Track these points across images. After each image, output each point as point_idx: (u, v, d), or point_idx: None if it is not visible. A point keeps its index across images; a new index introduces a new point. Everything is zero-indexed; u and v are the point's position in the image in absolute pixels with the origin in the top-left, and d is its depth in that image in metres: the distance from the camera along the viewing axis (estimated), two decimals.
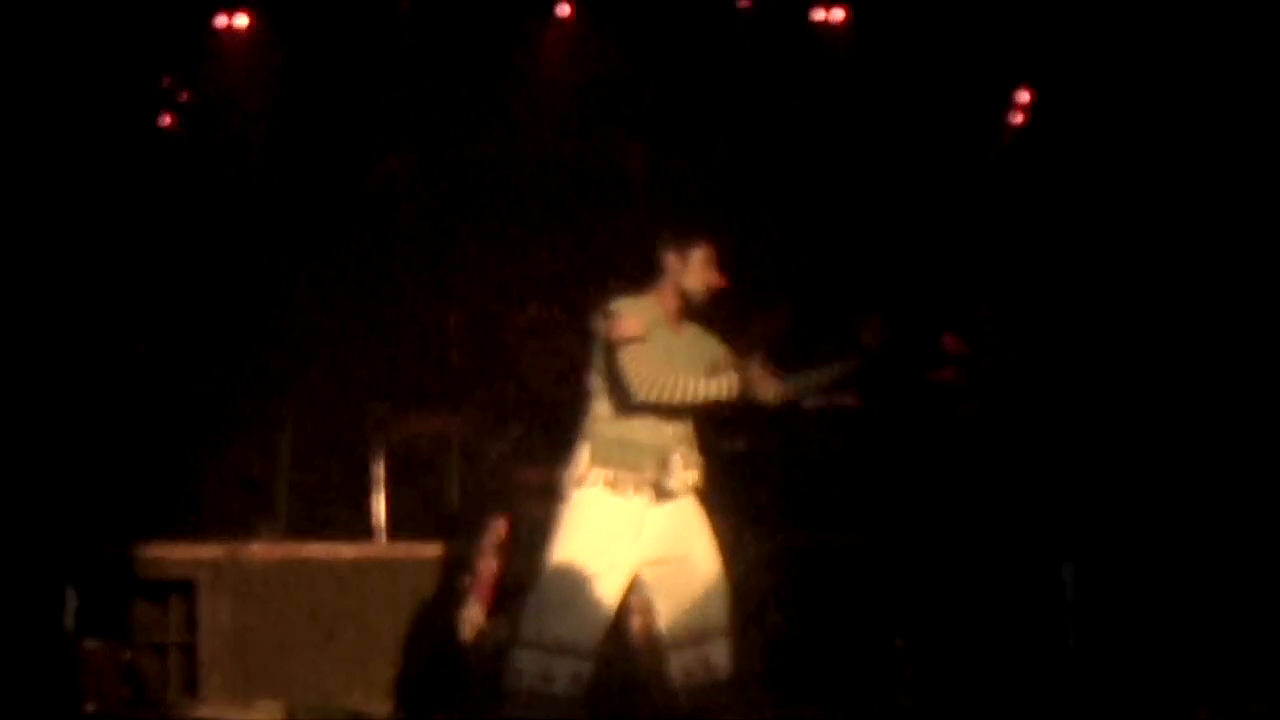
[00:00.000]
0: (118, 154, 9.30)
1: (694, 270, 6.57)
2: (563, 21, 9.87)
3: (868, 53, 9.87)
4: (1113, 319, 9.12)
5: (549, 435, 9.01)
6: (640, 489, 6.46)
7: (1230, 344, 8.79)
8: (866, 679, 8.02)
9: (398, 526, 8.97)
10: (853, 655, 8.09)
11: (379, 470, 9.06)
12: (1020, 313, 9.12)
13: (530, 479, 7.88)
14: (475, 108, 9.82)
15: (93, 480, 8.63)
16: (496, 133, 9.90)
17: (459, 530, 8.50)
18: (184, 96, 9.76)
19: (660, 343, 6.50)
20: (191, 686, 8.21)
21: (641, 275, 6.73)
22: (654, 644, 6.69)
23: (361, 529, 8.95)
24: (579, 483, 6.48)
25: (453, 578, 7.98)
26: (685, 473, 6.53)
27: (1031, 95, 9.99)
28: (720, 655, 6.57)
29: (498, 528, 7.74)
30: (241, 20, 9.64)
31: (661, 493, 6.49)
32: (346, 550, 8.60)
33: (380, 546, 8.85)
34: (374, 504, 9.02)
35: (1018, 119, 10.04)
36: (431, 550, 8.35)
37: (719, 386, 6.42)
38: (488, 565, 7.63)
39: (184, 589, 8.31)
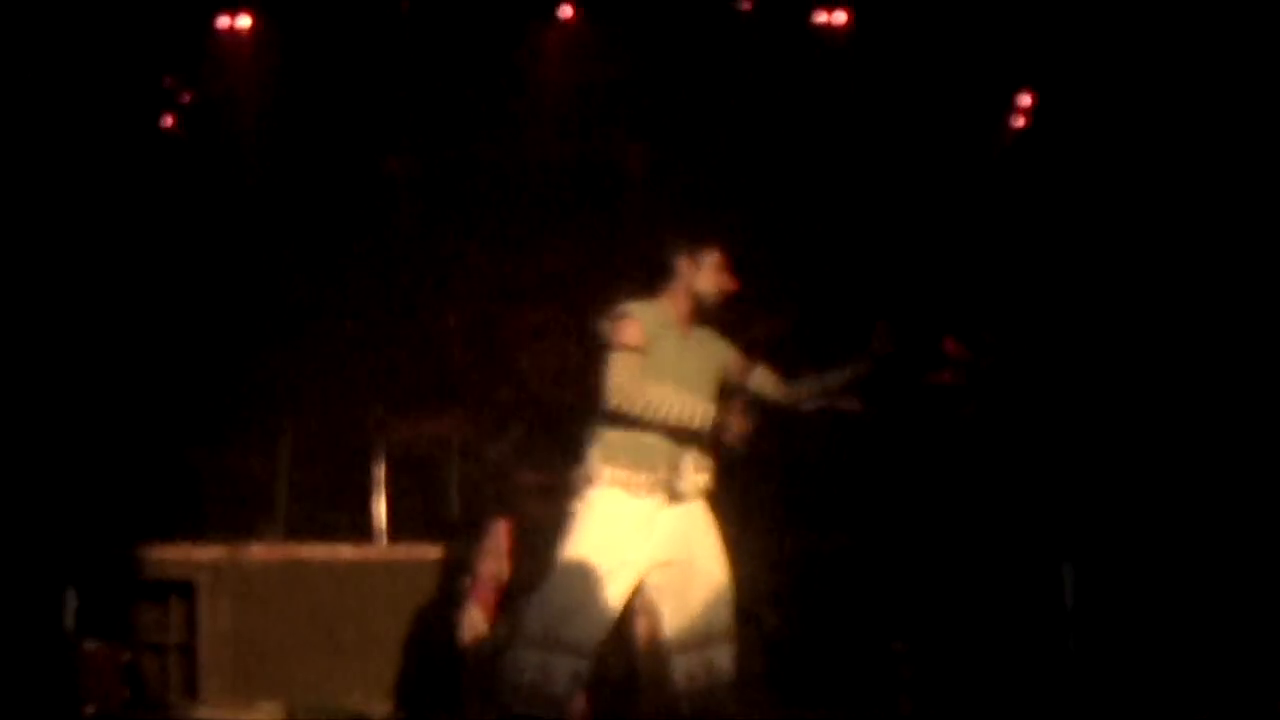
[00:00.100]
0: (119, 154, 9.29)
1: (705, 273, 6.59)
2: (564, 23, 9.86)
3: (869, 56, 9.86)
4: (1113, 322, 9.12)
5: (549, 437, 9.04)
6: (652, 490, 6.47)
7: (1230, 346, 8.80)
8: (866, 681, 8.03)
9: (398, 528, 8.98)
10: (852, 657, 8.10)
11: (379, 472, 9.07)
12: (1020, 316, 9.13)
13: (530, 481, 7.89)
14: (476, 109, 9.81)
15: (93, 481, 8.63)
16: (498, 134, 9.89)
17: (459, 532, 8.51)
18: (186, 97, 9.75)
19: (670, 347, 6.51)
20: (191, 687, 8.22)
21: (643, 277, 6.73)
22: (657, 646, 6.69)
23: (362, 531, 8.96)
24: (591, 482, 6.48)
25: (453, 580, 7.98)
26: (697, 475, 6.54)
27: (1033, 98, 9.99)
28: (724, 659, 6.57)
29: (498, 530, 7.75)
30: (244, 21, 9.63)
31: (673, 495, 6.50)
32: (347, 552, 8.61)
33: (380, 548, 8.86)
34: (374, 506, 9.03)
35: (1019, 122, 10.04)
36: (432, 552, 8.37)
37: (692, 414, 6.40)
38: (488, 567, 7.64)
39: (184, 590, 8.32)
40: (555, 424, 9.06)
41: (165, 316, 9.36)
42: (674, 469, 6.47)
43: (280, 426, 9.34)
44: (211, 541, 8.47)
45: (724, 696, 6.55)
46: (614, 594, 6.43)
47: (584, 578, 6.40)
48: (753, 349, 6.87)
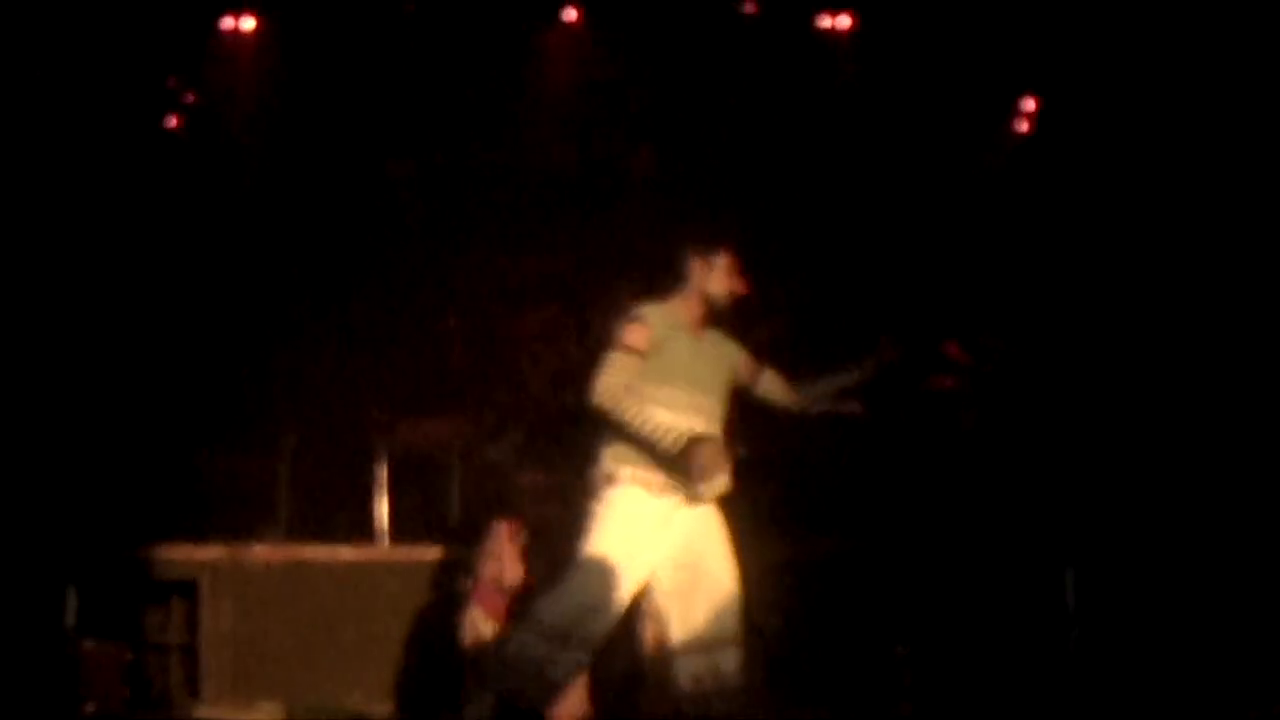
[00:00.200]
0: (123, 155, 9.30)
1: (718, 276, 6.62)
2: (568, 26, 9.87)
3: (872, 60, 9.87)
4: (1115, 326, 9.12)
5: (550, 439, 9.05)
6: (669, 490, 6.48)
7: (1231, 348, 8.79)
8: (867, 685, 8.02)
9: (399, 530, 8.97)
10: (853, 661, 8.09)
11: (381, 473, 9.06)
12: (1022, 320, 9.13)
13: (531, 482, 7.90)
14: (479, 112, 9.83)
15: (95, 481, 8.64)
16: (500, 137, 9.91)
17: (460, 534, 8.51)
18: (189, 98, 9.76)
19: (683, 348, 6.53)
20: (192, 687, 8.20)
21: (644, 279, 6.74)
22: (663, 648, 6.69)
23: (363, 532, 8.96)
24: (610, 481, 6.48)
25: (453, 581, 7.98)
26: (719, 477, 6.55)
27: (1037, 103, 9.99)
28: (730, 664, 6.57)
29: (499, 531, 7.75)
30: (248, 23, 9.66)
31: (692, 496, 6.51)
32: (348, 553, 8.60)
33: (381, 549, 8.85)
34: (376, 507, 9.02)
35: (1023, 126, 10.04)
36: (433, 554, 8.36)
37: (664, 436, 6.40)
38: (489, 569, 7.64)
39: (185, 590, 8.31)
40: (555, 426, 9.08)
41: (168, 318, 9.36)
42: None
43: (282, 427, 9.34)
44: (213, 542, 8.46)
45: (729, 701, 6.54)
46: (627, 593, 6.45)
47: (604, 576, 6.42)
48: (759, 351, 6.89)
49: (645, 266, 8.63)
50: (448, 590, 8.06)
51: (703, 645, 6.53)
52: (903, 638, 8.06)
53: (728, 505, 6.78)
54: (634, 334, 6.46)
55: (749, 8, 9.89)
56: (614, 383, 6.39)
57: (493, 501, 8.38)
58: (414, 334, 9.73)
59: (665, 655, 6.65)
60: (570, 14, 9.84)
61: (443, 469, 9.29)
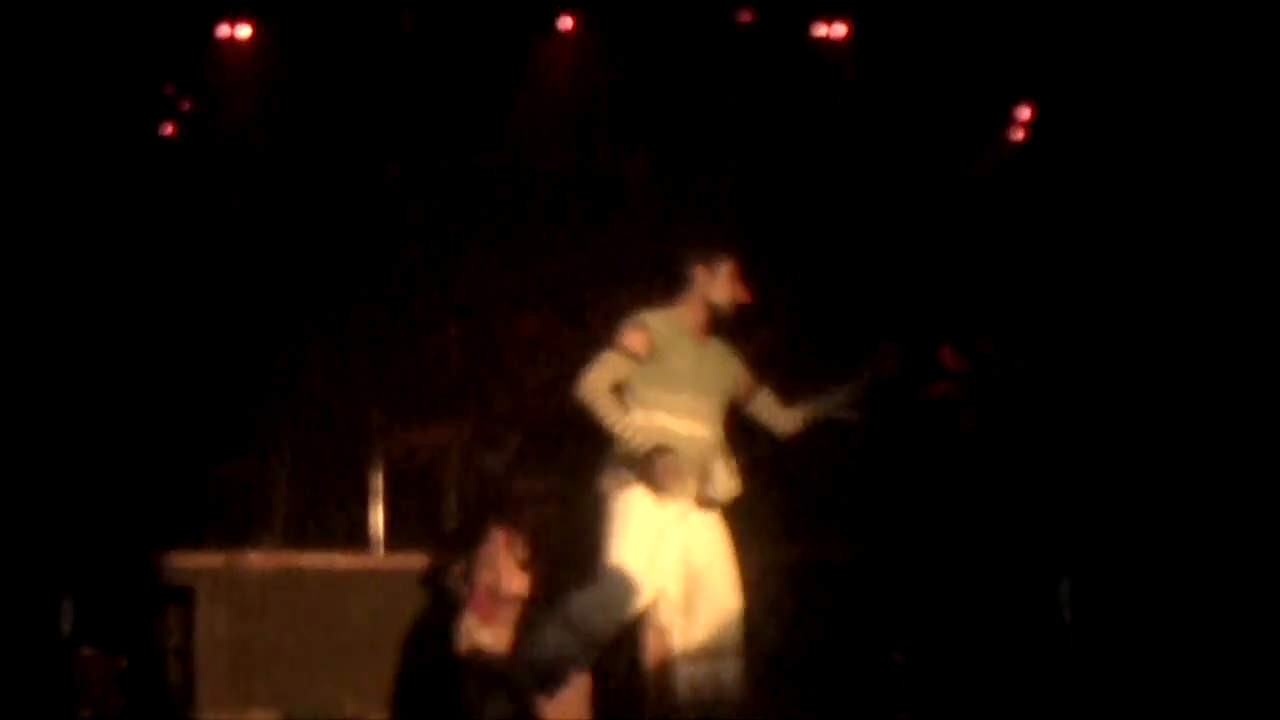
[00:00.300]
0: (119, 162, 9.30)
1: (721, 284, 6.64)
2: (564, 34, 9.87)
3: (868, 68, 9.88)
4: (1111, 334, 9.13)
5: (547, 446, 9.05)
6: (684, 494, 6.49)
7: (1228, 354, 8.80)
8: (864, 693, 8.02)
9: (395, 537, 8.98)
10: (851, 669, 8.09)
11: (377, 481, 9.06)
12: (1018, 328, 9.14)
13: (528, 489, 7.90)
14: (476, 119, 9.83)
15: (91, 489, 8.63)
16: (497, 144, 9.90)
17: (456, 541, 8.51)
18: (186, 106, 9.75)
19: (686, 354, 6.54)
20: (188, 694, 8.21)
21: (641, 286, 6.75)
22: (663, 656, 6.70)
23: (359, 539, 8.96)
24: (623, 486, 6.49)
25: (450, 588, 7.98)
26: (730, 481, 6.56)
27: (1032, 111, 10.00)
28: (730, 674, 6.56)
29: (495, 539, 7.75)
30: (244, 30, 9.64)
31: (704, 500, 6.53)
32: (344, 560, 8.61)
33: (377, 557, 8.86)
34: (372, 514, 9.03)
35: (1018, 135, 10.05)
36: (429, 561, 8.36)
37: (633, 437, 6.42)
38: (484, 576, 7.64)
39: (182, 597, 8.31)
40: (552, 433, 9.08)
41: (164, 325, 9.35)
42: (704, 475, 6.50)
43: (278, 434, 9.34)
44: (209, 549, 8.46)
45: (727, 712, 6.54)
46: (645, 594, 6.46)
47: (632, 575, 6.43)
48: (758, 359, 6.90)
49: (642, 273, 8.65)
50: (443, 597, 8.06)
51: (703, 654, 6.53)
52: (900, 646, 8.07)
53: (725, 513, 6.78)
54: (631, 336, 6.48)
55: (745, 16, 9.89)
56: (596, 379, 6.43)
57: (489, 508, 8.37)
58: (410, 340, 9.72)
59: (665, 663, 6.65)
60: (566, 22, 9.84)
61: (439, 476, 9.30)
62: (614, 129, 10.02)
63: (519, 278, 9.87)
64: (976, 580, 8.33)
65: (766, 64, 9.91)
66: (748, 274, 6.76)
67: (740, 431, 6.94)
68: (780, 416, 6.82)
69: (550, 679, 6.46)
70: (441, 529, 9.10)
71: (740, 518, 6.95)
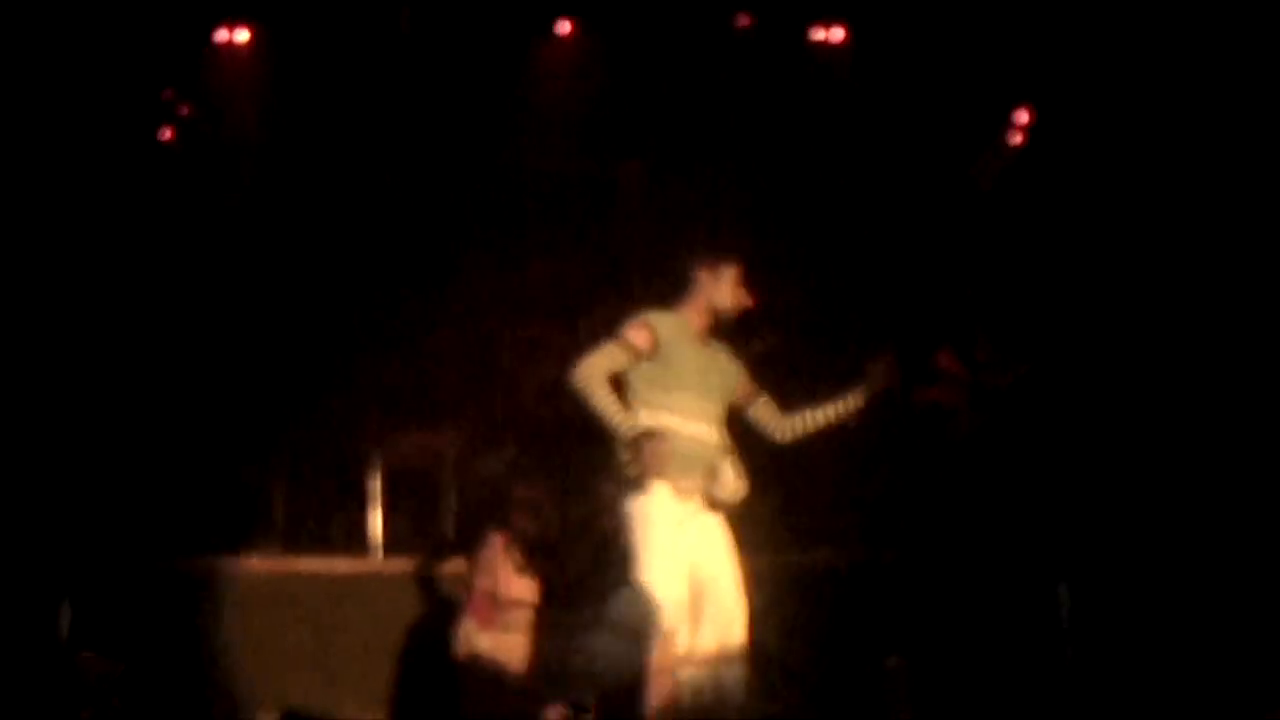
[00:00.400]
0: (118, 167, 9.30)
1: (724, 288, 6.67)
2: (562, 39, 9.88)
3: (866, 72, 9.88)
4: (1109, 339, 9.13)
5: (546, 451, 9.05)
6: (691, 495, 6.51)
7: (1225, 359, 8.81)
8: (860, 698, 8.02)
9: (393, 542, 8.98)
10: (847, 674, 8.09)
11: (375, 485, 9.07)
12: (1017, 332, 9.14)
13: (526, 495, 7.90)
14: (474, 124, 9.83)
15: (90, 493, 8.63)
16: (495, 149, 9.90)
17: (454, 546, 8.52)
18: (184, 110, 9.75)
19: (690, 355, 6.57)
20: (187, 699, 8.21)
21: (640, 291, 6.77)
22: (667, 659, 6.71)
23: (357, 544, 8.96)
24: (635, 489, 6.50)
25: (448, 593, 7.99)
26: (737, 482, 6.58)
27: (1031, 115, 10.00)
28: (732, 679, 6.57)
29: (493, 544, 7.76)
30: (242, 35, 9.65)
31: (712, 502, 6.54)
32: (342, 565, 8.61)
33: (375, 561, 8.86)
34: (370, 519, 9.03)
35: (1017, 138, 10.05)
36: (426, 566, 8.36)
37: (622, 422, 6.42)
38: (483, 581, 7.65)
39: (181, 601, 8.31)
40: (550, 438, 9.09)
41: (160, 331, 9.35)
42: (712, 476, 6.52)
43: (276, 439, 9.34)
44: (208, 553, 8.47)
45: (730, 717, 6.54)
46: (681, 583, 6.45)
47: (664, 572, 6.46)
48: (756, 364, 6.92)
49: (640, 277, 8.66)
50: (441, 602, 8.07)
51: (706, 659, 6.54)
52: (897, 651, 8.07)
53: (727, 516, 6.80)
54: (635, 331, 6.51)
55: (743, 21, 9.89)
56: (593, 364, 6.45)
57: (487, 513, 8.37)
58: (408, 344, 9.72)
59: (668, 667, 6.67)
60: (564, 26, 9.84)
61: (436, 481, 9.30)
62: (612, 133, 10.01)
63: (517, 281, 9.87)
64: (974, 585, 8.33)
65: (764, 68, 9.91)
66: (749, 279, 6.78)
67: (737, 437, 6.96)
68: (778, 423, 6.85)
69: (607, 685, 6.44)
70: (440, 534, 9.10)
71: (737, 523, 6.96)
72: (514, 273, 9.89)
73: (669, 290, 6.75)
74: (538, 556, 7.79)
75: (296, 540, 9.02)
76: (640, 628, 6.44)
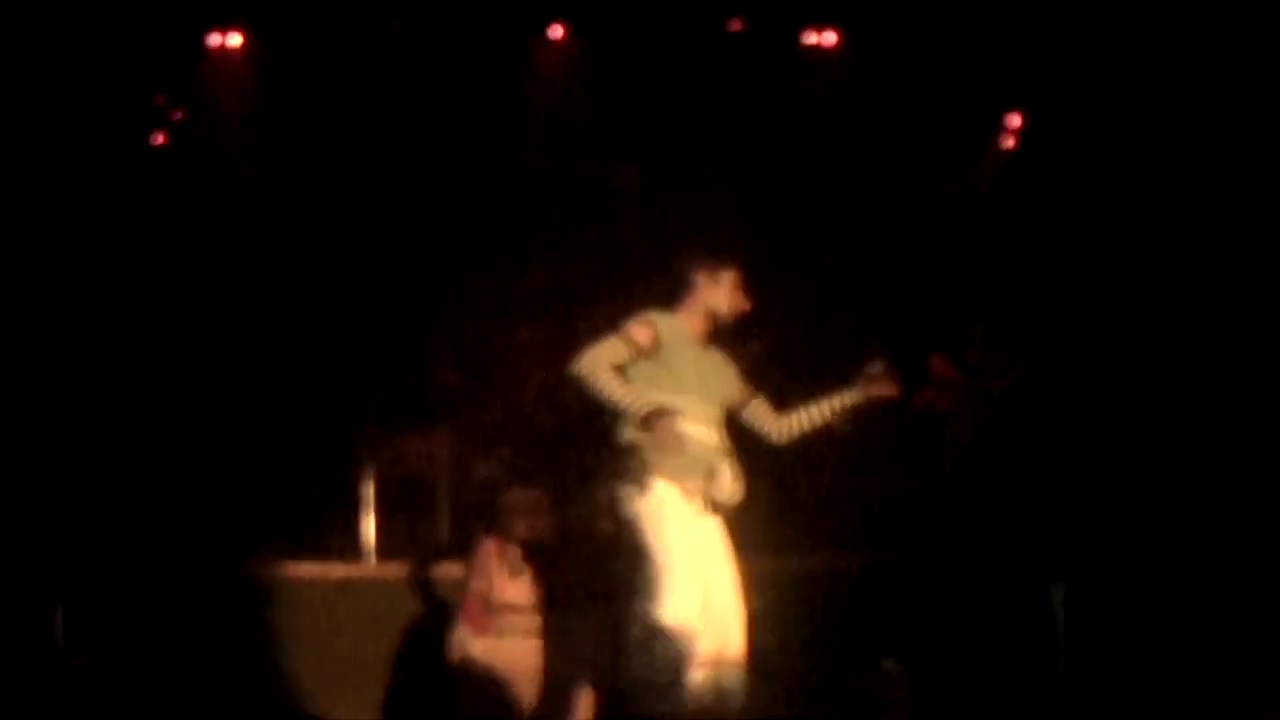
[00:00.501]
0: (111, 172, 9.30)
1: (723, 291, 6.66)
2: (555, 43, 9.88)
3: (859, 76, 9.89)
4: (1103, 342, 9.14)
5: (539, 455, 9.05)
6: (694, 496, 6.51)
7: (1219, 364, 8.82)
8: (855, 701, 8.02)
9: (387, 547, 8.97)
10: (842, 677, 8.09)
11: (368, 491, 9.06)
12: (1011, 336, 9.14)
13: (521, 499, 7.90)
14: (469, 127, 9.83)
15: (84, 498, 8.62)
16: (488, 152, 9.91)
17: (449, 550, 8.52)
18: (177, 115, 9.75)
19: (690, 357, 6.56)
20: (183, 703, 8.20)
21: (635, 295, 6.77)
22: None
23: (351, 549, 8.95)
24: (644, 490, 6.48)
25: (442, 598, 7.99)
26: (735, 484, 6.57)
27: (1023, 119, 10.02)
28: (733, 683, 6.55)
29: (486, 548, 7.76)
30: (235, 39, 9.64)
31: (712, 504, 6.54)
32: (336, 570, 8.60)
33: (369, 567, 8.85)
34: (363, 524, 9.02)
35: (1009, 143, 10.07)
36: (420, 571, 8.35)
37: (633, 402, 6.40)
38: (477, 585, 7.65)
39: (176, 606, 8.31)
40: (544, 443, 9.09)
41: (154, 334, 9.35)
42: (711, 478, 6.51)
43: (270, 445, 9.33)
44: (202, 558, 8.46)
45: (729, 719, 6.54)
46: (699, 589, 6.45)
47: (682, 564, 6.41)
48: (751, 367, 6.91)
49: (635, 282, 8.65)
50: (436, 606, 8.07)
51: (706, 662, 6.53)
52: (892, 653, 8.07)
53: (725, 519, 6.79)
54: (637, 328, 6.49)
55: (735, 25, 9.90)
56: (595, 355, 6.40)
57: (481, 517, 8.37)
58: (402, 350, 9.72)
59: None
60: (557, 30, 9.85)
61: (431, 485, 9.30)
62: (605, 137, 10.02)
63: (510, 286, 9.88)
64: (969, 587, 8.33)
65: (757, 72, 9.92)
66: (746, 283, 6.78)
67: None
68: (774, 425, 6.83)
69: (674, 685, 6.40)
70: (434, 538, 9.10)
71: (734, 526, 6.96)
72: (509, 276, 9.89)
73: (666, 293, 6.74)
74: (532, 561, 7.79)
75: (291, 545, 9.00)
76: (680, 621, 6.37)
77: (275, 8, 9.64)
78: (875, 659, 8.01)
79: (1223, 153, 9.01)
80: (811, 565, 8.50)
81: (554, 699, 7.44)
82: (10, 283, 8.83)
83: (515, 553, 7.76)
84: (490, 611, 7.60)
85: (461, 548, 8.13)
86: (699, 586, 6.45)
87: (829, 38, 9.97)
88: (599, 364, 6.37)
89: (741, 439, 7.01)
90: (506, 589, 7.70)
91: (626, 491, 6.50)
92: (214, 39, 9.64)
